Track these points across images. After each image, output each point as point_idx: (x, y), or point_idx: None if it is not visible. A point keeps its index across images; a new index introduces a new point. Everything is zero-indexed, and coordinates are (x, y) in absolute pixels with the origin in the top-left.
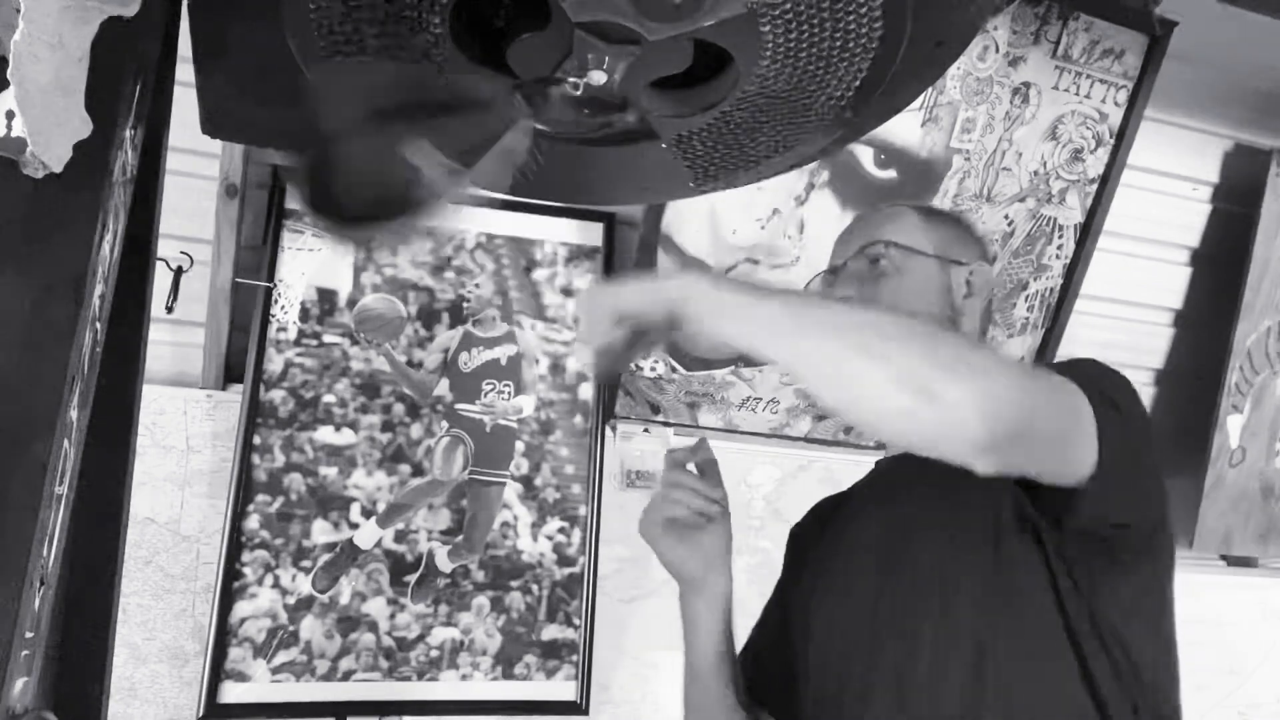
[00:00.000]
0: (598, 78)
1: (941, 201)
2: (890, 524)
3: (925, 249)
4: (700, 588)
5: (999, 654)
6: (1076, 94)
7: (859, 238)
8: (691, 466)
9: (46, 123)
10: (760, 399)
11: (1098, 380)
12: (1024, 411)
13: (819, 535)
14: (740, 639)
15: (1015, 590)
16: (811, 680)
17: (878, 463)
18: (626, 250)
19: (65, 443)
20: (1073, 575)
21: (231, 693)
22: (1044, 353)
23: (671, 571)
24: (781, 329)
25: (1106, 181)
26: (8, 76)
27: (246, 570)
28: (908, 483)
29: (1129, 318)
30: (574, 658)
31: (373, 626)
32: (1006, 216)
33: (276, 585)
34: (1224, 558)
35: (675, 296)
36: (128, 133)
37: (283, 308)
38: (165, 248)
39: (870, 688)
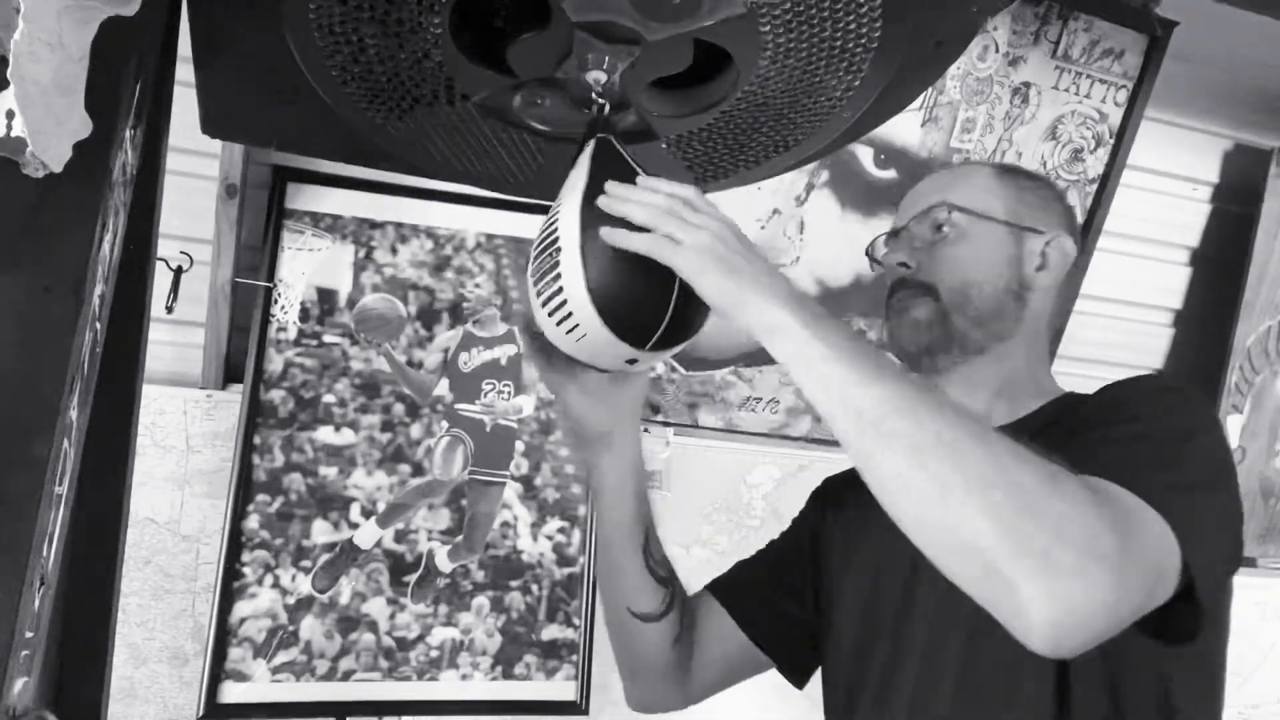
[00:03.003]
0: (598, 77)
1: None
2: None
3: (995, 214)
4: (609, 443)
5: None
6: (1076, 94)
7: (924, 198)
8: None
9: (46, 123)
10: (760, 399)
11: (1174, 461)
12: (1108, 618)
13: (861, 509)
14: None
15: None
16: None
17: None
18: None
19: (65, 443)
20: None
21: (231, 693)
22: None
23: (577, 427)
24: (865, 423)
25: (1106, 181)
26: (8, 76)
27: (246, 570)
28: None
29: (1129, 318)
30: (574, 658)
31: (373, 626)
32: None
33: (276, 585)
34: None
35: (760, 322)
36: (128, 133)
37: (283, 308)
38: (165, 248)
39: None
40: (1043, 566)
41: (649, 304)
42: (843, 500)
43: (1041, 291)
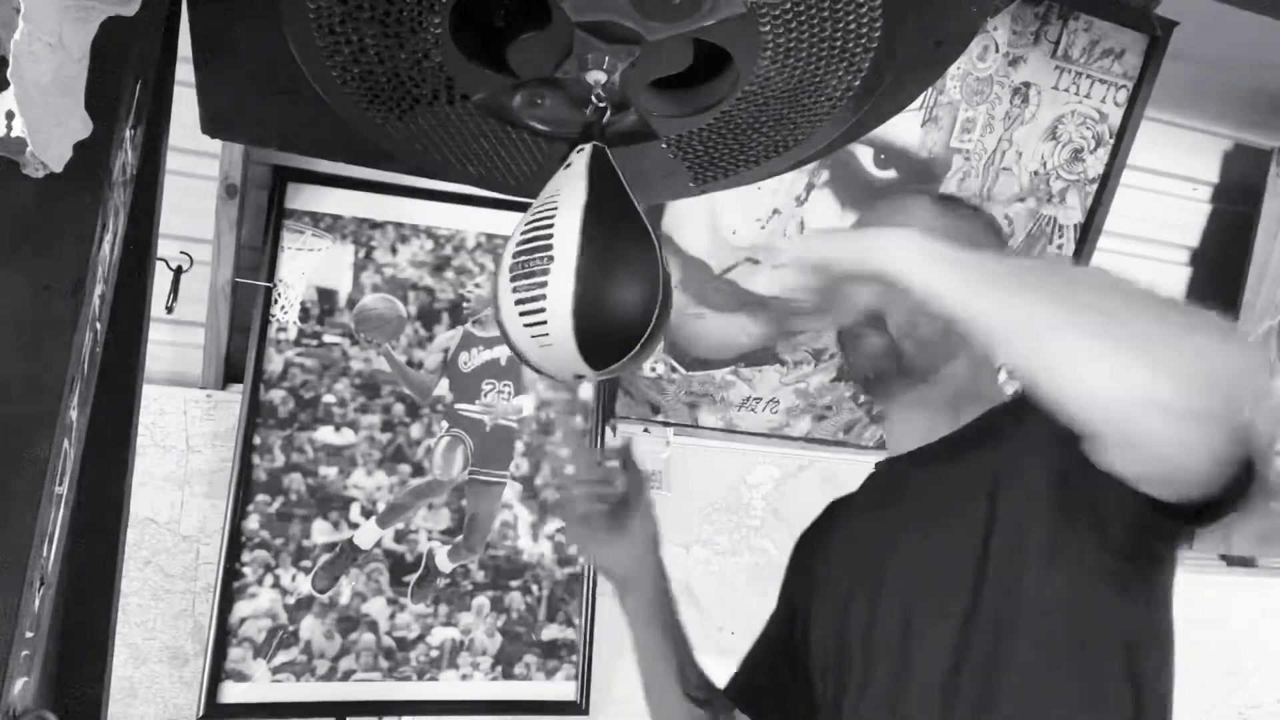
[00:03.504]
0: (598, 78)
1: None
2: (891, 531)
3: None
4: (631, 587)
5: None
6: (1076, 94)
7: None
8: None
9: (46, 123)
10: (760, 399)
11: None
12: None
13: (825, 541)
14: (741, 638)
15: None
16: (815, 687)
17: (876, 464)
18: None
19: (65, 443)
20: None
21: (231, 693)
22: None
23: (604, 575)
24: (1002, 288)
25: (1106, 181)
26: (8, 76)
27: (246, 570)
28: (912, 490)
29: None
30: (574, 658)
31: (373, 626)
32: (1006, 216)
33: (276, 585)
34: (1224, 558)
35: (887, 255)
36: (128, 133)
37: (283, 308)
38: (165, 248)
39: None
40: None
41: (624, 336)
42: (815, 542)
43: None
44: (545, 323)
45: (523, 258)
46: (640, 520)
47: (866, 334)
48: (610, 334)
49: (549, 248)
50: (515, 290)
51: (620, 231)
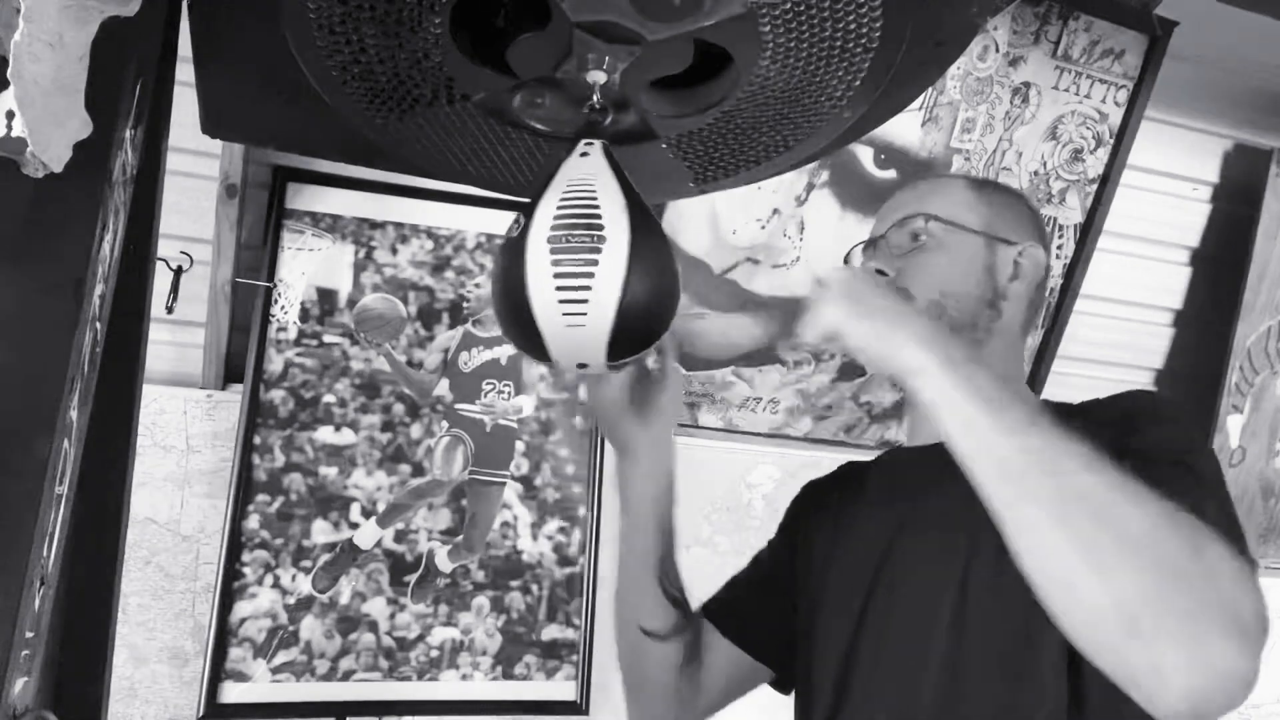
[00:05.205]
0: (598, 78)
1: None
2: (892, 530)
3: (971, 224)
4: (634, 456)
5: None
6: (1076, 94)
7: (900, 209)
8: None
9: (46, 123)
10: (760, 399)
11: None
12: (1247, 685)
13: (839, 503)
14: None
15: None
16: (816, 647)
17: (893, 449)
18: None
19: (65, 443)
20: None
21: (231, 693)
22: (1044, 353)
23: (605, 433)
24: (1007, 474)
25: (1106, 181)
26: (8, 76)
27: (246, 570)
28: (919, 488)
29: (1129, 318)
30: (574, 658)
31: (373, 626)
32: None
33: (276, 585)
34: None
35: (905, 365)
36: (128, 133)
37: (283, 308)
38: (165, 248)
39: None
40: (1191, 633)
41: (652, 330)
42: (825, 503)
43: (1014, 300)
44: (586, 302)
45: (567, 231)
46: (668, 394)
47: None
48: (643, 326)
49: (599, 226)
50: (557, 264)
51: (655, 227)
